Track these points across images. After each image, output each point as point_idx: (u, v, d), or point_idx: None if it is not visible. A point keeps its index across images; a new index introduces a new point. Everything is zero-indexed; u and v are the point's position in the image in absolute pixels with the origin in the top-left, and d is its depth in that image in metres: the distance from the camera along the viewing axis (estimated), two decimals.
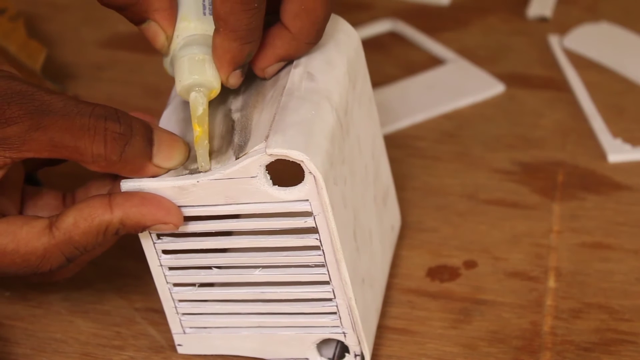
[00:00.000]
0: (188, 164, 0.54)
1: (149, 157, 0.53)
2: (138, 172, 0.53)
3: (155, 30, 0.54)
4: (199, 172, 0.53)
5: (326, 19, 0.55)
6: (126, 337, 0.61)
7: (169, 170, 0.54)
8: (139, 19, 0.54)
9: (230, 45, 0.53)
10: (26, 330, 0.62)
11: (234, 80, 0.54)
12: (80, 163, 0.53)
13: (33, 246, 0.53)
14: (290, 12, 0.54)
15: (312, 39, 0.55)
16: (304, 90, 0.54)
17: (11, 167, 0.53)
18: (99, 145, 0.52)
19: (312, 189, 0.51)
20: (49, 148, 0.52)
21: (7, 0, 0.80)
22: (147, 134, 0.53)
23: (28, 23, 0.80)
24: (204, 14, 0.55)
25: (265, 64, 0.55)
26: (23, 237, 0.53)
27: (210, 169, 0.53)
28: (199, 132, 0.53)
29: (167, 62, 0.55)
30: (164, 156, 0.53)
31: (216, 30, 0.53)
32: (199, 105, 0.53)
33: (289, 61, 0.56)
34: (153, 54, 0.80)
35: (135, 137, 0.52)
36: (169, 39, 0.54)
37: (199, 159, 0.53)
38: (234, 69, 0.54)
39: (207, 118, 0.53)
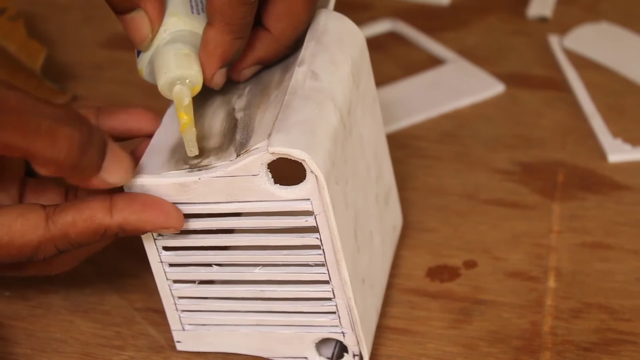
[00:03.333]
0: (188, 158, 0.54)
1: (98, 169, 0.51)
2: (83, 182, 0.51)
3: (141, 21, 0.53)
4: (198, 165, 0.53)
5: (307, 23, 0.56)
6: (126, 337, 0.61)
7: (112, 185, 0.52)
8: (128, 5, 0.53)
9: (223, 38, 0.53)
10: (26, 330, 0.62)
11: (219, 78, 0.54)
12: (31, 163, 0.50)
13: (28, 239, 0.52)
14: (273, 14, 0.54)
15: (292, 42, 0.56)
16: (307, 90, 0.54)
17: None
18: (52, 150, 0.49)
19: (313, 188, 0.51)
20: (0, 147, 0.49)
21: (7, 0, 0.80)
22: (102, 146, 0.51)
23: (28, 23, 0.80)
24: (192, 12, 0.55)
25: (243, 66, 0.56)
26: (18, 229, 0.52)
27: (198, 153, 0.53)
28: (187, 119, 0.53)
29: (144, 59, 0.55)
30: (110, 171, 0.51)
31: (209, 24, 0.53)
32: (185, 97, 0.53)
33: (264, 65, 0.56)
34: None
35: (93, 147, 0.50)
36: (154, 32, 0.54)
37: (187, 145, 0.53)
38: (222, 66, 0.54)
39: (192, 109, 0.53)
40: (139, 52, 0.55)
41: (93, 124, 0.51)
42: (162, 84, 0.54)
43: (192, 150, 0.53)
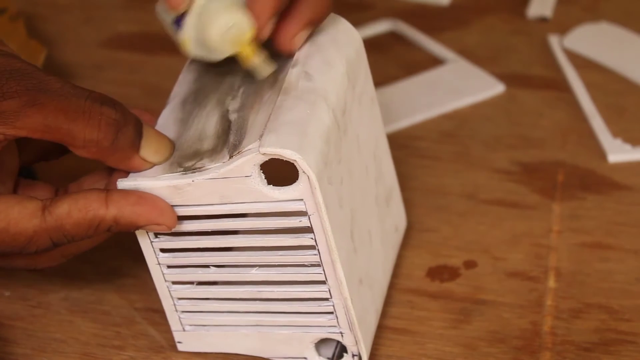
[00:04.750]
0: (182, 161, 0.54)
1: (138, 148, 0.53)
2: (124, 163, 0.54)
3: None
4: (192, 168, 0.53)
5: None
6: (126, 337, 0.61)
7: (153, 165, 0.54)
8: None
9: None
10: (26, 330, 0.62)
11: (268, 29, 0.54)
12: (70, 147, 0.53)
13: (23, 227, 0.53)
14: None
15: None
16: (300, 90, 0.54)
17: (6, 147, 0.53)
18: (92, 129, 0.52)
19: (306, 188, 0.51)
20: (42, 128, 0.52)
21: (7, 0, 0.80)
22: (138, 125, 0.54)
23: (28, 23, 0.80)
24: None
25: (294, 31, 0.55)
26: (14, 216, 0.53)
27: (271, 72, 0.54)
28: (249, 50, 0.54)
29: (188, 25, 0.54)
30: (151, 150, 0.54)
31: None
32: (246, 32, 0.53)
33: (313, 30, 0.56)
34: (153, 54, 0.81)
35: (128, 126, 0.53)
36: None
37: (259, 67, 0.54)
38: (272, 16, 0.54)
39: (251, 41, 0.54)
40: (177, 23, 0.55)
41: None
42: (213, 34, 0.53)
43: (267, 69, 0.54)
